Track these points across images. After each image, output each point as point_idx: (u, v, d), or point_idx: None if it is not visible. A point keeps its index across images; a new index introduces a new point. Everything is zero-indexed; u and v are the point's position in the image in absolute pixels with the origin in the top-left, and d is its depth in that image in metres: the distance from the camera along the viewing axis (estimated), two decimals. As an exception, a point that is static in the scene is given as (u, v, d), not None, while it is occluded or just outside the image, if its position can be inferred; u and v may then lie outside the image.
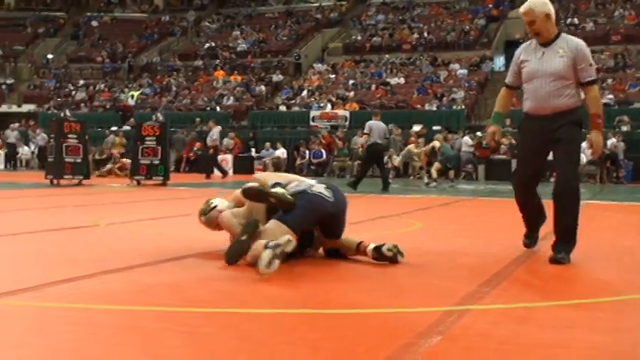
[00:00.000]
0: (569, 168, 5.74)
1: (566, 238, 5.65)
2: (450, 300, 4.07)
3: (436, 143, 21.09)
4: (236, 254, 5.15)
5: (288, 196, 5.22)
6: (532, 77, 5.84)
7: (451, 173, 21.56)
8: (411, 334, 3.24)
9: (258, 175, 5.92)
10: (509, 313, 3.86)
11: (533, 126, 5.88)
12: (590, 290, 4.59)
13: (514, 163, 25.22)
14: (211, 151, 23.86)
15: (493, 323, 3.59)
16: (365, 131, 17.57)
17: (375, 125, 17.34)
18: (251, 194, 5.40)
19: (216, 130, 23.96)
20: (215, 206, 5.88)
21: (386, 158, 21.86)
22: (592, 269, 5.50)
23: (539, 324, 3.58)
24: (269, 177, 5.82)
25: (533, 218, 6.24)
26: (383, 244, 5.46)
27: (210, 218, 5.89)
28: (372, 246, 5.49)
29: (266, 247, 4.72)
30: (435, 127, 27.30)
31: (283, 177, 5.92)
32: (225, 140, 28.19)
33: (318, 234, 5.60)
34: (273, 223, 5.20)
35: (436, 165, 20.67)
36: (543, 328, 3.50)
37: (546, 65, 5.74)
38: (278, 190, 5.27)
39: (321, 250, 5.73)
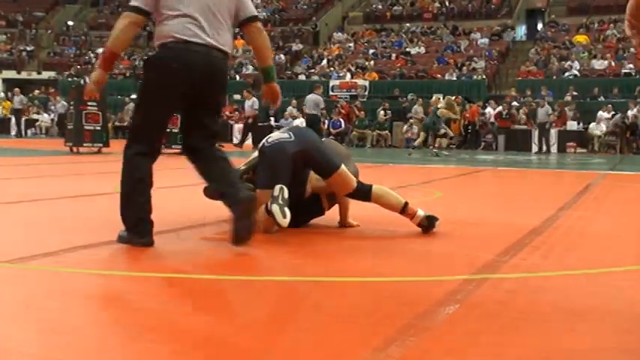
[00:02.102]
0: None
1: None
2: (468, 269, 4.05)
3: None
4: (211, 191, 5.30)
5: (246, 185, 5.08)
6: None
7: (441, 141, 20.77)
8: (428, 302, 3.23)
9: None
10: (528, 282, 3.84)
11: None
12: (608, 259, 4.56)
13: (535, 133, 25.48)
14: (250, 120, 24.04)
15: (511, 292, 3.57)
16: (303, 104, 21.56)
17: (309, 98, 20.79)
18: (211, 192, 5.36)
19: (256, 100, 24.08)
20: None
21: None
22: (610, 239, 5.46)
23: (558, 293, 3.56)
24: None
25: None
26: (434, 216, 5.36)
27: None
28: (422, 213, 5.34)
29: (267, 207, 4.79)
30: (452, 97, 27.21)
31: None
32: (289, 108, 28.52)
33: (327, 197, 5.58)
34: (257, 193, 5.12)
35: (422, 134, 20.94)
36: (561, 297, 3.48)
37: None
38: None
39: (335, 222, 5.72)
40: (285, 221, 4.71)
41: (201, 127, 4.79)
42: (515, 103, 27.59)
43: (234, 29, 4.90)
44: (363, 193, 5.37)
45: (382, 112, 28.33)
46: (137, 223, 4.55)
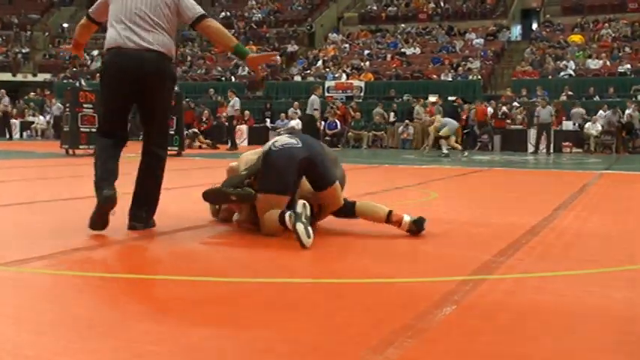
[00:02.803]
0: None
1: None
2: (465, 270, 4.05)
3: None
4: (211, 196, 5.29)
5: (248, 190, 5.06)
6: None
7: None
8: (426, 304, 3.23)
9: (233, 164, 5.72)
10: (525, 283, 3.84)
11: None
12: (605, 259, 4.56)
13: (531, 133, 25.44)
14: (234, 121, 23.90)
15: (508, 293, 3.57)
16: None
17: (309, 100, 22.17)
18: (212, 198, 5.31)
19: (237, 100, 23.96)
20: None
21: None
22: (607, 238, 5.46)
23: (555, 293, 3.56)
24: (242, 162, 5.62)
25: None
26: (422, 218, 5.28)
27: None
28: (408, 218, 5.27)
29: (281, 218, 4.76)
30: (450, 98, 27.19)
31: (258, 153, 5.66)
32: (291, 110, 28.44)
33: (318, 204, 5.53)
34: (260, 197, 5.07)
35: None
36: (558, 297, 3.48)
37: None
38: (236, 189, 5.10)
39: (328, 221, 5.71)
40: (309, 241, 4.64)
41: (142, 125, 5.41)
42: (516, 104, 27.62)
43: (176, 31, 5.41)
44: (348, 209, 5.42)
45: (392, 114, 28.43)
46: (95, 191, 4.97)
